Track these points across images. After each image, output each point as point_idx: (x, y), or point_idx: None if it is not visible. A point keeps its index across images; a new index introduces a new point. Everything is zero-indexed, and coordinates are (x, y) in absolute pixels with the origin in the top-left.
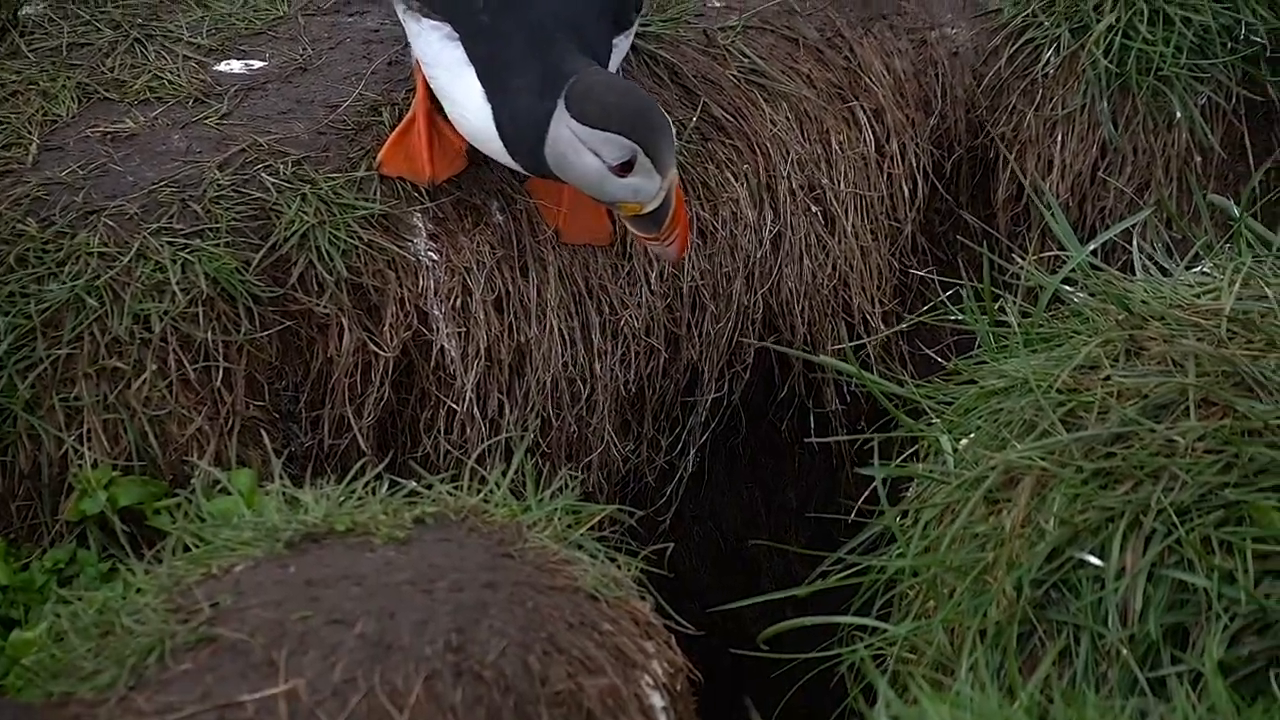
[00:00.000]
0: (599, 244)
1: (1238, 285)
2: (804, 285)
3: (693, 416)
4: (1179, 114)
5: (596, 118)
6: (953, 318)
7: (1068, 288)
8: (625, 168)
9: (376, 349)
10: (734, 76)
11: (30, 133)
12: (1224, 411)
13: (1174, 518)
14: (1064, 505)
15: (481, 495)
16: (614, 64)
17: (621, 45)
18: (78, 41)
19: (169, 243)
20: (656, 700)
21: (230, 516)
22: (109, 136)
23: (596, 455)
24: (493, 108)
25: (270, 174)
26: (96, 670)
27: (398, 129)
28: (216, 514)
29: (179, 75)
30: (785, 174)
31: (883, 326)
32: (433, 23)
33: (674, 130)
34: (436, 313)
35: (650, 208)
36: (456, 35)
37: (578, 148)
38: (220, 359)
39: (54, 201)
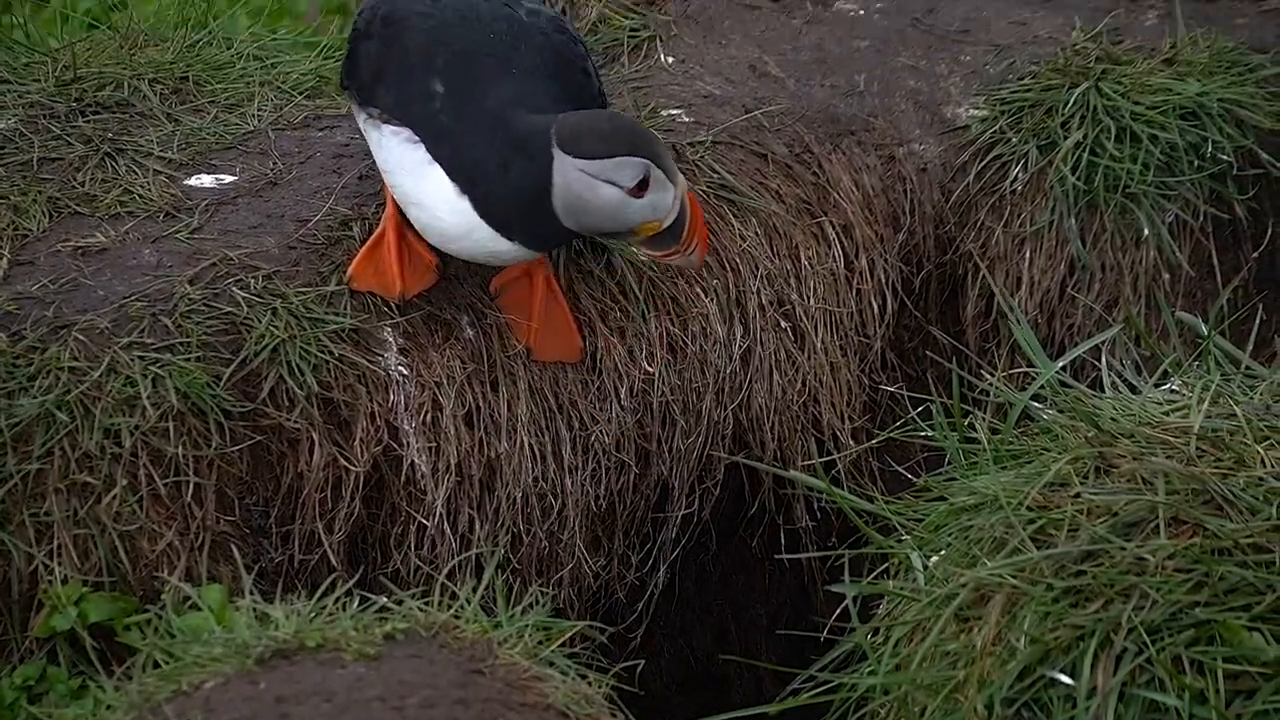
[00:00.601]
0: (569, 361)
1: (1206, 403)
2: (774, 401)
3: (663, 532)
4: (1147, 231)
5: (601, 149)
6: (922, 434)
7: (1037, 404)
8: (642, 186)
9: (347, 464)
10: (703, 192)
11: (1, 248)
12: (1194, 530)
13: (1145, 636)
14: (1035, 623)
15: (452, 611)
16: None
17: None
18: (49, 156)
19: (140, 357)
20: None
21: (200, 632)
22: (80, 251)
23: (567, 571)
24: (470, 199)
25: (241, 288)
26: None
27: (368, 243)
28: (187, 630)
29: (150, 189)
30: (755, 289)
31: (852, 442)
32: (393, 128)
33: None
34: (407, 428)
35: (670, 220)
36: (417, 138)
37: (592, 184)
38: (191, 474)
39: (25, 316)
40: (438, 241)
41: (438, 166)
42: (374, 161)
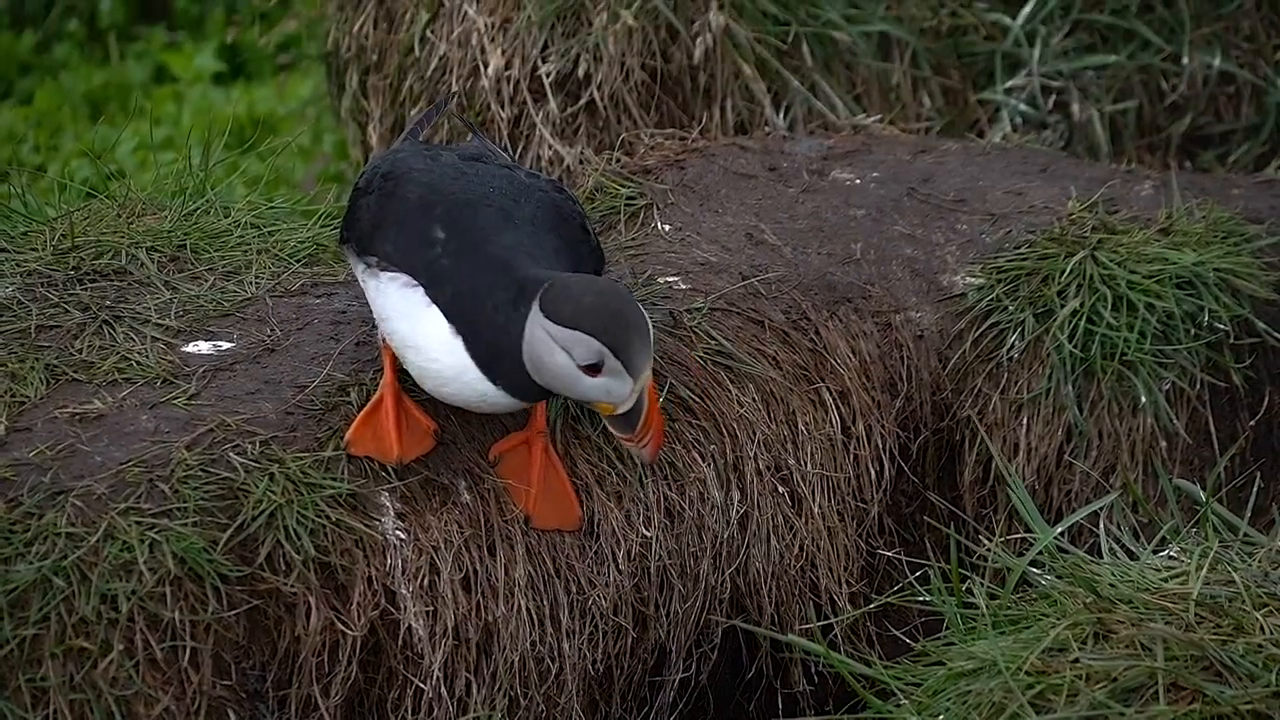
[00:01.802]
0: (568, 529)
1: (1205, 570)
2: (771, 565)
3: (661, 696)
4: (1144, 399)
5: (568, 317)
6: (920, 599)
7: (1035, 570)
8: (594, 369)
9: (344, 628)
10: (700, 358)
11: None
12: (1193, 696)
13: None
14: None
15: None
16: None
17: None
18: (46, 323)
19: (137, 522)
20: None
21: None
22: (77, 417)
23: None
24: (464, 339)
25: (238, 454)
26: None
27: (365, 409)
28: None
29: (147, 356)
30: (752, 454)
31: (850, 607)
32: (390, 274)
33: (650, 332)
34: (404, 591)
35: (623, 409)
36: (416, 282)
37: (550, 347)
38: (187, 638)
39: (22, 482)
40: (433, 385)
41: (435, 308)
42: (371, 327)
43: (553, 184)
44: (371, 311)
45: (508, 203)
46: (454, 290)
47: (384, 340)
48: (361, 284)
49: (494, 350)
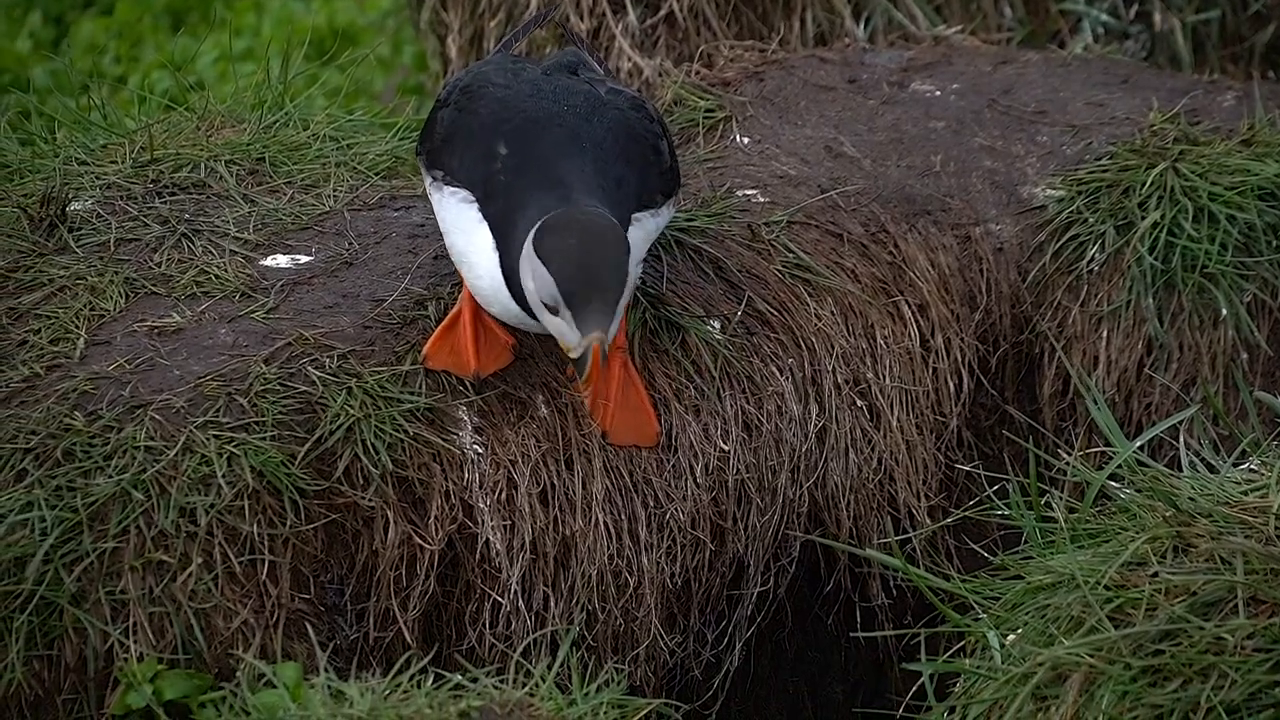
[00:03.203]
0: (646, 445)
1: None
2: (849, 479)
3: (739, 610)
4: (1225, 311)
5: (544, 251)
6: (999, 513)
7: (1114, 484)
8: (551, 310)
9: (422, 542)
10: (779, 271)
11: (78, 327)
12: (1273, 609)
13: (1224, 716)
14: (1113, 702)
15: (527, 689)
16: (633, 238)
17: (644, 222)
18: (125, 237)
19: (215, 436)
20: None
21: (276, 710)
22: (156, 331)
23: (643, 649)
24: (499, 255)
25: (316, 368)
26: None
27: (444, 323)
28: (262, 707)
29: (225, 270)
30: (830, 368)
31: (928, 521)
32: (452, 189)
33: (618, 295)
34: (482, 506)
35: (571, 355)
36: (473, 198)
37: (526, 269)
38: (266, 552)
39: (101, 396)
40: (485, 302)
41: (485, 225)
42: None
43: (632, 100)
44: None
45: (579, 122)
46: (503, 208)
47: None
48: (429, 198)
49: (510, 270)
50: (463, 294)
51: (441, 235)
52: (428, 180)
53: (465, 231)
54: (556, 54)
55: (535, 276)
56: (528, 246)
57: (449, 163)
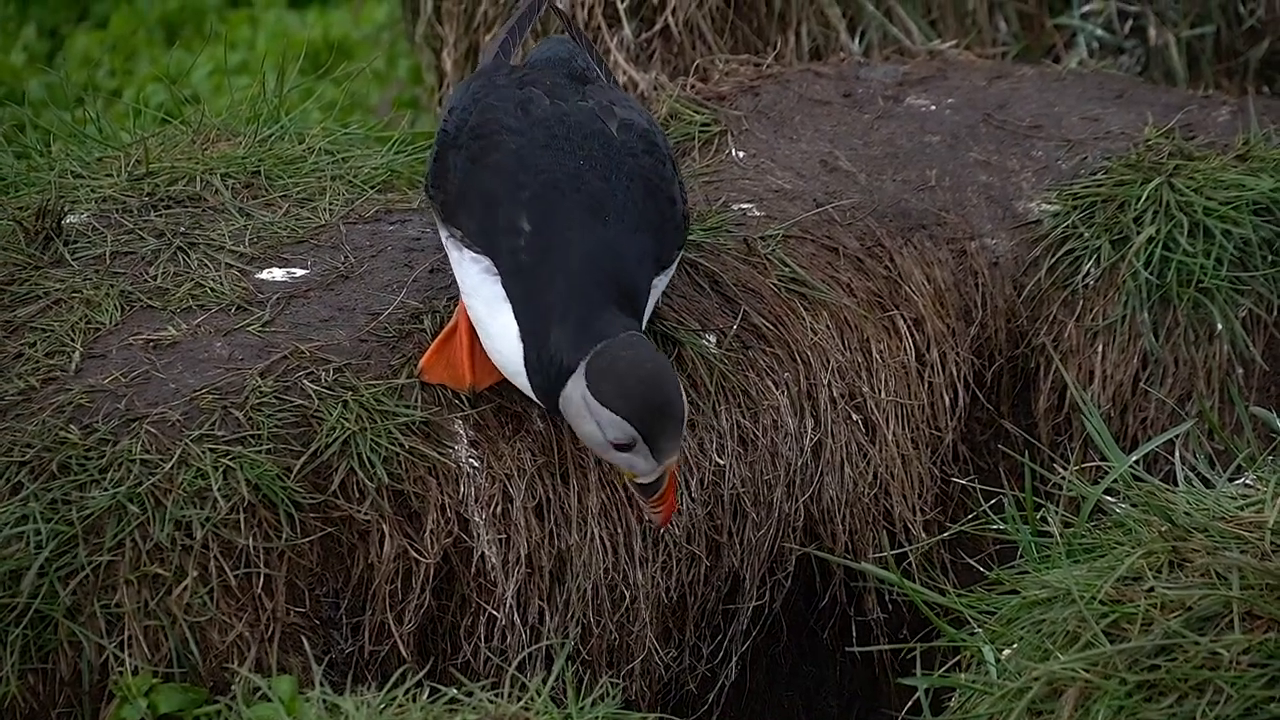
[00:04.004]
0: None
1: None
2: (845, 493)
3: (734, 624)
4: (1220, 326)
5: (608, 398)
6: (995, 527)
7: (1110, 498)
8: (624, 448)
9: (417, 555)
10: (774, 285)
11: (73, 341)
12: (1268, 625)
13: None
14: (1108, 718)
15: (522, 703)
16: (651, 303)
17: (660, 284)
18: (121, 250)
19: (211, 450)
20: None
21: None
22: (152, 344)
23: (638, 662)
24: (524, 346)
25: (312, 381)
26: None
27: (439, 337)
28: None
29: (221, 283)
30: (826, 382)
31: (924, 535)
32: (473, 254)
33: (685, 416)
34: (477, 519)
35: (647, 480)
36: (496, 271)
37: (584, 414)
38: (261, 565)
39: (96, 409)
40: (498, 365)
41: (507, 305)
42: (445, 256)
43: (644, 137)
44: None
45: (599, 185)
46: (526, 292)
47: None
48: (444, 245)
49: (539, 373)
50: (459, 308)
51: (442, 253)
52: (444, 232)
53: (487, 303)
54: (547, 44)
55: (604, 424)
56: (578, 394)
57: (467, 224)
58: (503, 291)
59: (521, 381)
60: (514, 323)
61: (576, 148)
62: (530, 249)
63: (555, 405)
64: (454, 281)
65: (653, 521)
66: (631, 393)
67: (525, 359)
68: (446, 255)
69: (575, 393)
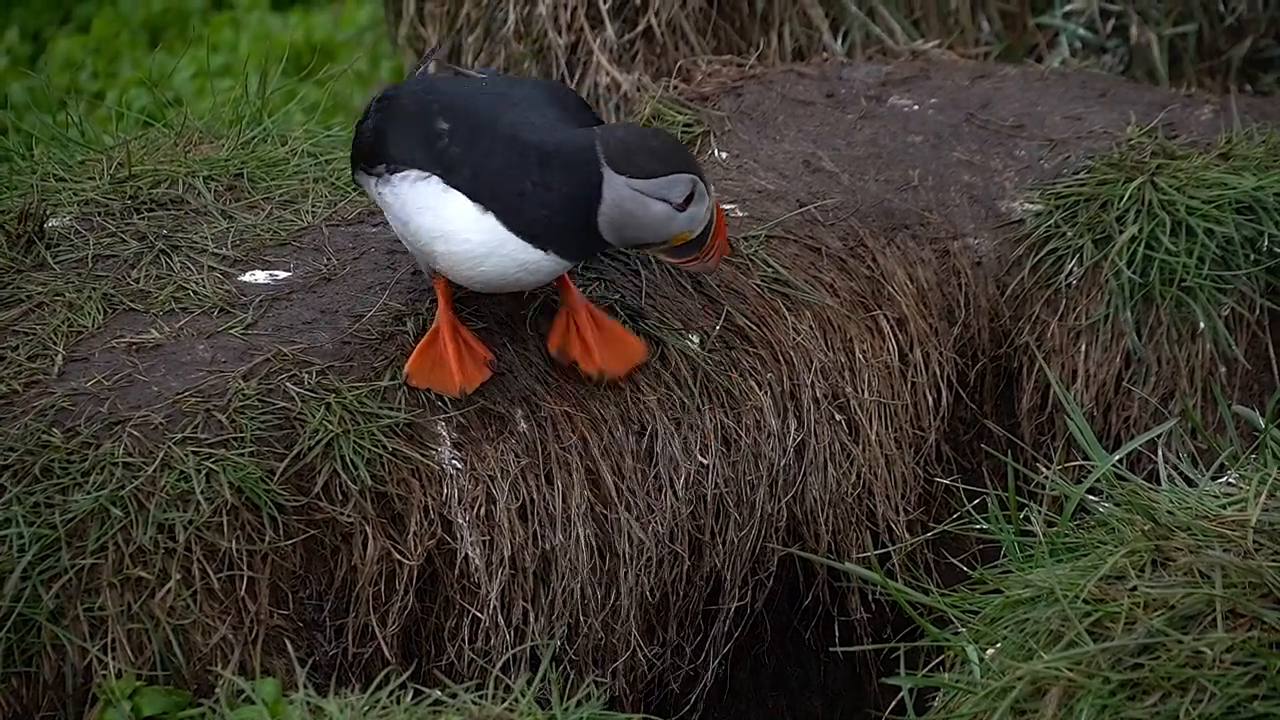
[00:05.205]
0: (641, 361)
1: (1264, 496)
2: (828, 493)
3: (717, 624)
4: (1203, 325)
5: (655, 167)
6: (978, 527)
7: (1093, 497)
8: (688, 201)
9: (401, 557)
10: (757, 286)
11: (56, 344)
12: (1251, 623)
13: None
14: (1092, 716)
15: (506, 705)
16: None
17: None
18: (103, 253)
19: (194, 452)
20: None
21: None
22: (134, 347)
23: (621, 662)
24: (495, 213)
25: (295, 383)
26: None
27: (422, 341)
28: None
29: (204, 286)
30: (809, 382)
31: (907, 535)
32: (401, 173)
33: None
34: (461, 521)
35: (700, 229)
36: (428, 173)
37: (643, 201)
38: (244, 568)
39: (79, 412)
40: (468, 269)
41: (455, 192)
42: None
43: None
44: (396, 232)
45: (502, 88)
46: (473, 171)
47: (432, 272)
48: (379, 203)
49: (548, 222)
50: (440, 311)
51: (401, 238)
52: (371, 184)
53: (431, 208)
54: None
55: (664, 191)
56: (627, 191)
57: (387, 153)
58: (442, 184)
59: (505, 257)
60: (468, 202)
61: (475, 82)
62: (456, 141)
63: (575, 239)
64: (434, 284)
65: (709, 269)
66: (662, 149)
67: (502, 219)
68: (388, 219)
69: (620, 193)
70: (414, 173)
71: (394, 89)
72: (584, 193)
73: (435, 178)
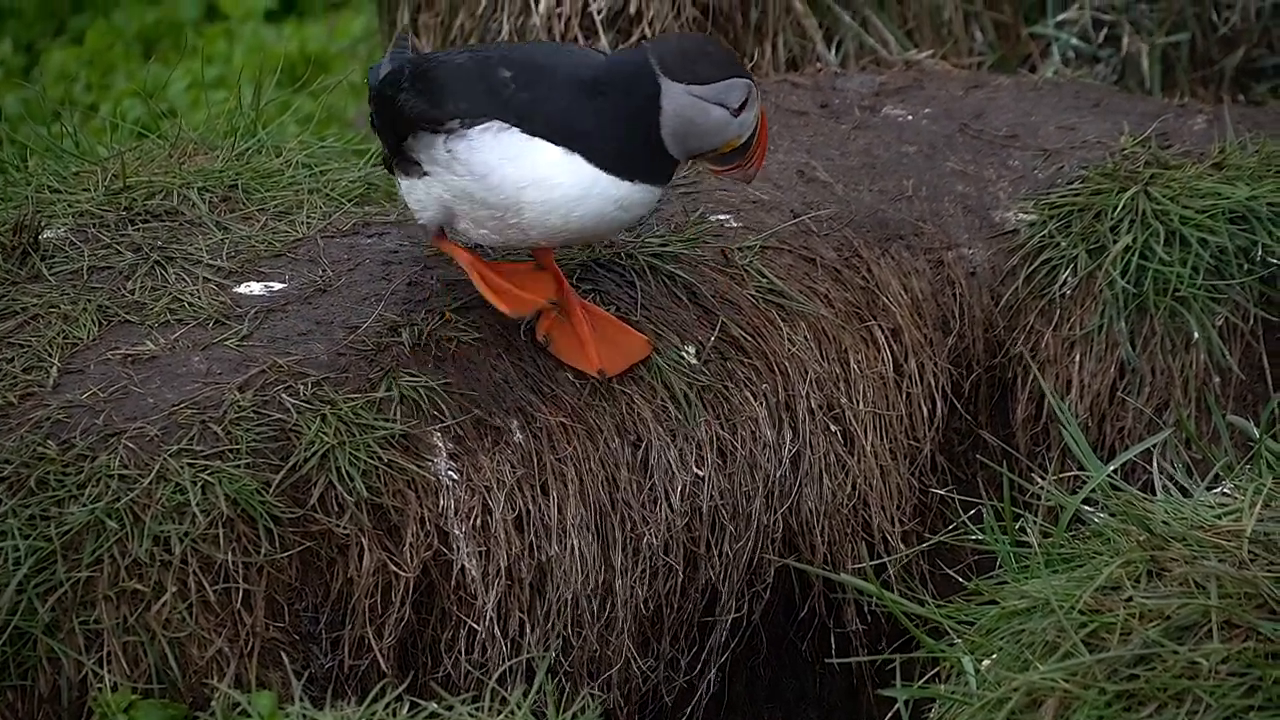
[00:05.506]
0: (642, 358)
1: (1259, 506)
2: (823, 504)
3: (713, 635)
4: (1197, 334)
5: (712, 73)
6: (973, 537)
7: (1088, 508)
8: (744, 105)
9: (397, 569)
10: (752, 296)
11: (51, 356)
12: (1247, 634)
13: None
14: None
15: (503, 716)
16: None
17: None
18: (98, 265)
19: (189, 464)
20: None
21: None
22: (129, 359)
23: (616, 673)
24: (580, 152)
25: (290, 395)
26: None
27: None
28: None
29: (199, 297)
30: (804, 393)
31: (903, 546)
32: (480, 126)
33: None
34: (457, 532)
35: (748, 134)
36: (507, 124)
37: (703, 108)
38: (240, 580)
39: (74, 424)
40: (562, 215)
41: (538, 139)
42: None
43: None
44: (455, 193)
45: (535, 48)
46: (546, 115)
47: (471, 266)
48: (440, 166)
49: (623, 147)
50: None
51: (426, 262)
52: (440, 142)
53: (518, 158)
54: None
55: (721, 96)
56: (686, 98)
57: (458, 107)
58: (523, 135)
59: (596, 199)
60: (552, 146)
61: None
62: (522, 87)
63: (648, 158)
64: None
65: (749, 176)
66: (716, 55)
67: (597, 161)
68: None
69: (680, 102)
70: (495, 123)
71: (422, 59)
72: (643, 104)
73: (515, 129)
